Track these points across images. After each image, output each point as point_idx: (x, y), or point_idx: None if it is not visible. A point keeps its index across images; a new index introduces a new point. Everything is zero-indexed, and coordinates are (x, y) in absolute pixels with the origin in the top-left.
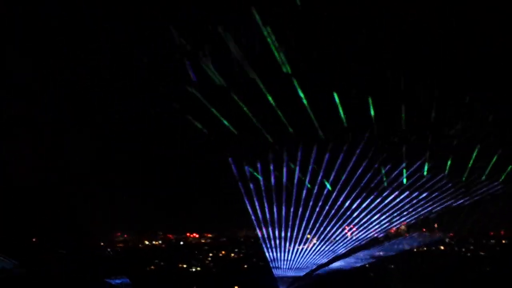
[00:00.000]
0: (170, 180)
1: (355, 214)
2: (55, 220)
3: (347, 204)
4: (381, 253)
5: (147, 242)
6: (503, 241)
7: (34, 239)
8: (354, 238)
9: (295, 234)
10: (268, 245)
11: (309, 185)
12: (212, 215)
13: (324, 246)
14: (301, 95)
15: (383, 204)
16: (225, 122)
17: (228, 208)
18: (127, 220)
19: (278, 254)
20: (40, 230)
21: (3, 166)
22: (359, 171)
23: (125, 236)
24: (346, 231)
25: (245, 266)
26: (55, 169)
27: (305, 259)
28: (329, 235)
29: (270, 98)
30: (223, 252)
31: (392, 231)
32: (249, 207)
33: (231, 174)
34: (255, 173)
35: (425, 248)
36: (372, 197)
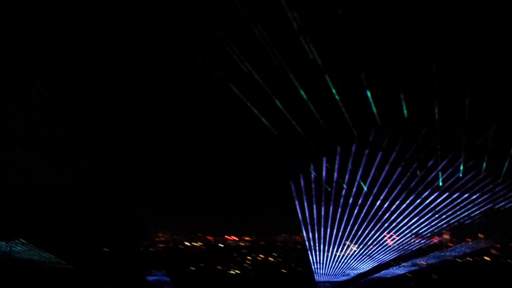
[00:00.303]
0: (210, 182)
1: (393, 217)
2: (102, 221)
3: (385, 206)
4: (423, 262)
5: (187, 243)
6: None
7: (82, 239)
8: (395, 246)
9: (333, 238)
10: (308, 249)
11: (345, 186)
12: (252, 218)
13: (364, 253)
14: (333, 91)
15: (422, 206)
16: (265, 121)
17: (268, 212)
18: (169, 221)
19: (318, 258)
20: (87, 230)
21: (53, 169)
22: (398, 171)
23: (167, 236)
24: (386, 238)
25: (283, 270)
26: (98, 171)
27: (345, 266)
28: (369, 241)
29: (302, 93)
30: (261, 255)
31: (436, 240)
32: (297, 208)
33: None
34: (313, 172)
35: (469, 259)
36: (411, 198)
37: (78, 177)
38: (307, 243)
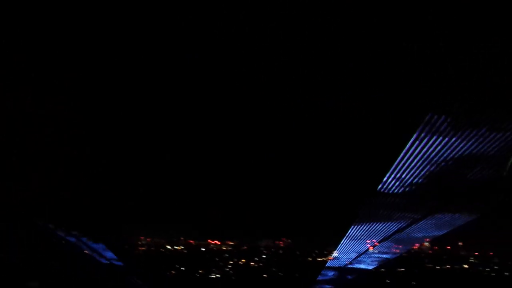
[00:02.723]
0: (194, 185)
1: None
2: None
3: None
4: (403, 268)
5: (168, 247)
6: None
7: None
8: (376, 253)
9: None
10: None
11: None
12: (235, 223)
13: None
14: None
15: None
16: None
17: (251, 216)
18: (151, 224)
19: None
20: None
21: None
22: None
23: (148, 240)
24: (368, 245)
25: (265, 275)
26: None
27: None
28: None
29: None
30: (243, 260)
31: (416, 247)
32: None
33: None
34: None
35: (448, 266)
36: None
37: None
38: None
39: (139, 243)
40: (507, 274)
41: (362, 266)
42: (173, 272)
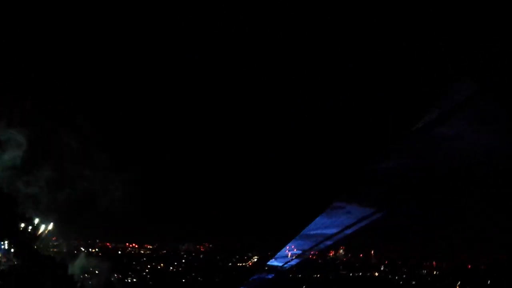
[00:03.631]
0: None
1: None
2: None
3: None
4: (318, 275)
5: (82, 249)
6: (434, 272)
7: None
8: (294, 258)
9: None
10: None
11: None
12: (156, 226)
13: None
14: None
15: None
16: None
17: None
18: (67, 225)
19: None
20: None
21: None
22: None
23: (61, 241)
24: (286, 251)
25: (183, 280)
26: None
27: None
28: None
29: None
30: (162, 264)
31: (331, 254)
32: None
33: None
34: None
35: (360, 274)
36: None
37: None
38: None
39: (51, 244)
40: (414, 282)
41: (280, 270)
42: (87, 275)
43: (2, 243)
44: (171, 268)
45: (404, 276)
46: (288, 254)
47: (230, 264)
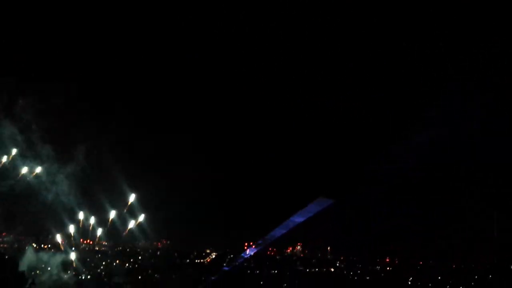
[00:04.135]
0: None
1: None
2: None
3: None
4: (275, 271)
5: (34, 245)
6: (388, 268)
7: None
8: (252, 254)
9: None
10: None
11: None
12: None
13: None
14: None
15: None
16: None
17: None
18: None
19: None
20: None
21: None
22: None
23: (11, 236)
24: (246, 248)
25: (139, 277)
26: None
27: None
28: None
29: None
30: (118, 261)
31: (288, 250)
32: None
33: None
34: None
35: (316, 269)
36: None
37: None
38: None
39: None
40: (368, 278)
41: (237, 266)
42: (38, 272)
43: None
44: (126, 264)
45: (359, 272)
46: (246, 250)
47: (188, 261)
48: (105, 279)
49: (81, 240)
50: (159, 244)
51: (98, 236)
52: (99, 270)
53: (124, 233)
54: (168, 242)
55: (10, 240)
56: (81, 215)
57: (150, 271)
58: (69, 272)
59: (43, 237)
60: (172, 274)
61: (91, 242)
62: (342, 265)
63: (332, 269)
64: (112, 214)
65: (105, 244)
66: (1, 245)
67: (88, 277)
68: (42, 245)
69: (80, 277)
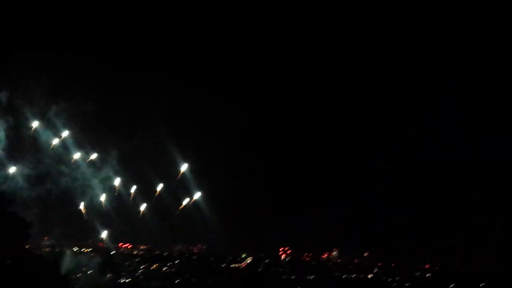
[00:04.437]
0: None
1: None
2: None
3: None
4: (312, 277)
5: (75, 249)
6: (427, 275)
7: None
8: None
9: None
10: None
11: None
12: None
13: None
14: None
15: None
16: None
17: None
18: (61, 226)
19: None
20: None
21: None
22: None
23: (53, 241)
24: (282, 253)
25: (176, 281)
26: None
27: None
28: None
29: None
30: (155, 265)
31: (324, 256)
32: None
33: None
34: None
35: (353, 276)
36: None
37: None
38: None
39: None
40: (407, 284)
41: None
42: (78, 275)
43: None
44: (164, 269)
45: (397, 278)
46: (281, 255)
47: (223, 265)
48: (144, 283)
49: (120, 244)
50: (195, 248)
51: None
52: (137, 274)
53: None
54: (204, 246)
55: (52, 243)
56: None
57: (187, 275)
58: (108, 275)
59: (83, 241)
60: (209, 279)
61: (129, 246)
62: (380, 272)
63: (370, 276)
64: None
65: (143, 248)
66: (44, 249)
67: (127, 280)
68: (83, 249)
69: (119, 280)
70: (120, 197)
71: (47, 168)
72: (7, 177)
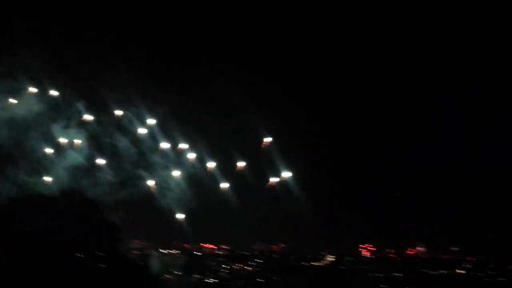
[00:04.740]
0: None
1: None
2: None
3: None
4: (401, 274)
5: (162, 251)
6: None
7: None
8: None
9: None
10: None
11: None
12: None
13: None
14: None
15: None
16: None
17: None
18: (147, 228)
19: None
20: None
21: None
22: None
23: (142, 243)
24: (362, 250)
25: (258, 280)
26: None
27: None
28: None
29: None
30: (238, 264)
31: (411, 251)
32: None
33: None
34: None
35: (445, 272)
36: None
37: None
38: None
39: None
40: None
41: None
42: (167, 276)
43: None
44: (246, 267)
45: (490, 273)
46: (362, 252)
47: (304, 263)
48: (229, 282)
49: (202, 244)
50: (275, 247)
51: None
52: (222, 273)
53: None
54: (284, 245)
55: (140, 246)
56: None
57: (269, 274)
58: (194, 275)
59: (170, 242)
60: (291, 277)
61: (213, 246)
62: (471, 266)
63: (460, 271)
64: None
65: (225, 248)
66: (134, 252)
67: (212, 280)
68: (169, 250)
69: (205, 280)
70: (206, 195)
71: (132, 171)
72: (95, 183)
